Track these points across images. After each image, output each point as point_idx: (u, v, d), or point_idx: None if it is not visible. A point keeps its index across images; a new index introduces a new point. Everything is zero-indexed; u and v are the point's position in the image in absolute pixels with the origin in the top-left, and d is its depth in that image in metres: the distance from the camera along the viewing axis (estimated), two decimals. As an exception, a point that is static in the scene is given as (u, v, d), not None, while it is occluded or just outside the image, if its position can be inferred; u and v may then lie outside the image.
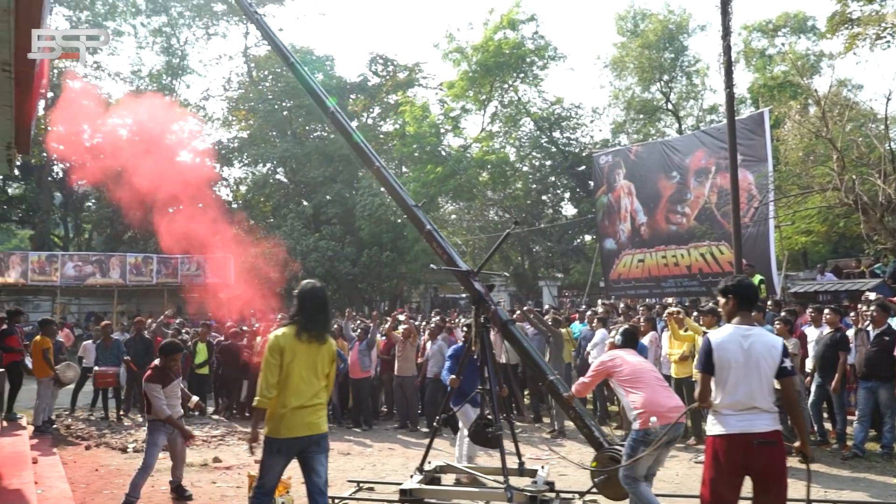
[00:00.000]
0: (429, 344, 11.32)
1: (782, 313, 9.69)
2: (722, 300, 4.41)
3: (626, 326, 6.33)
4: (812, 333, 9.60)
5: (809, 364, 9.25)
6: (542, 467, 6.84)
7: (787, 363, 4.16)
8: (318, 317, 4.91)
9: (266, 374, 4.74)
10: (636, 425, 5.31)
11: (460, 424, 7.39)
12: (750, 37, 32.55)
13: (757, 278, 13.39)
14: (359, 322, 13.77)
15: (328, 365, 4.98)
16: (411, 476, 6.58)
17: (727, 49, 13.83)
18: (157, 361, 6.84)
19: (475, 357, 6.79)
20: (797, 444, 4.22)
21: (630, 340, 6.02)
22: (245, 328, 13.83)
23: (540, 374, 6.50)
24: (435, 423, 7.00)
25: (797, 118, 16.96)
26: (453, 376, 7.05)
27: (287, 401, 4.71)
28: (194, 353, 12.79)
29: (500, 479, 6.12)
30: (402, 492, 6.19)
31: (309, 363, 4.80)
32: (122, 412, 12.20)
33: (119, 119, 32.29)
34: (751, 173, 16.71)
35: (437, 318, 12.80)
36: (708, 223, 18.20)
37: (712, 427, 4.22)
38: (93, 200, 30.88)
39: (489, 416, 6.49)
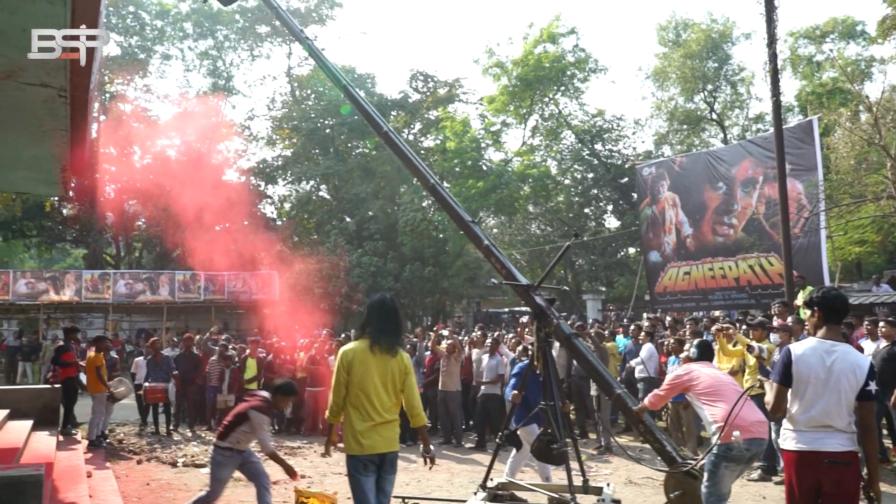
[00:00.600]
0: (485, 357, 11.20)
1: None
2: (808, 312, 4.28)
3: (701, 339, 6.19)
4: (868, 347, 9.27)
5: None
6: (608, 485, 6.62)
7: (872, 386, 3.92)
8: (389, 328, 4.75)
9: (334, 389, 4.68)
10: (717, 440, 5.07)
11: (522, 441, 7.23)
12: (796, 43, 31.90)
13: (808, 290, 13.02)
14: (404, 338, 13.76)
15: (400, 379, 4.75)
16: (475, 493, 6.47)
17: (773, 57, 13.59)
18: (267, 395, 6.32)
19: (538, 372, 6.64)
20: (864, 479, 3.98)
21: (706, 353, 5.88)
22: (283, 343, 13.95)
23: (607, 388, 6.29)
24: (497, 440, 6.88)
25: (848, 125, 16.54)
26: (515, 392, 6.95)
27: (363, 416, 4.62)
28: (244, 368, 12.89)
29: (566, 496, 6.00)
30: None
31: (381, 377, 4.65)
32: (171, 427, 12.42)
33: (167, 140, 33.19)
34: (800, 183, 16.31)
35: (479, 332, 12.72)
36: (756, 234, 17.81)
37: (785, 441, 4.09)
38: (142, 220, 31.73)
39: (551, 432, 6.35)
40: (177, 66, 32.90)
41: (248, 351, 13.25)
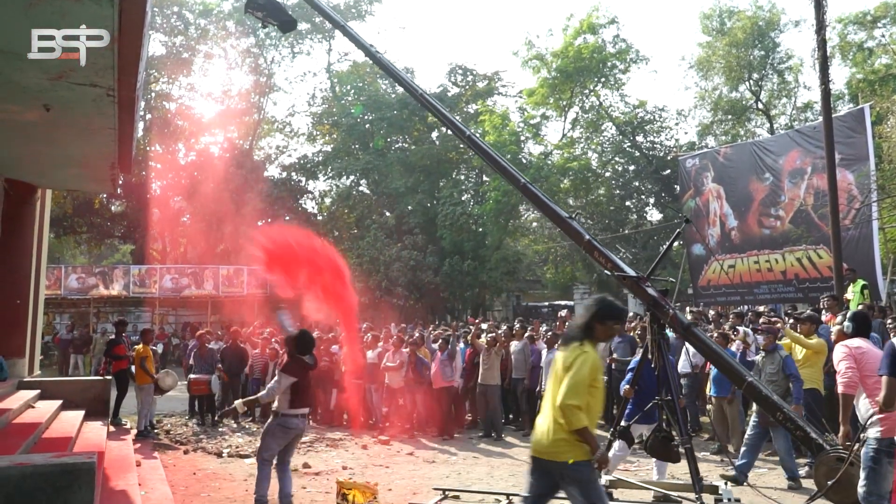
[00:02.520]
0: (544, 352, 11.07)
1: (888, 321, 9.11)
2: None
3: (856, 311, 5.55)
4: (922, 342, 8.97)
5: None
6: (725, 483, 6.37)
7: None
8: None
9: (582, 392, 4.08)
10: (876, 433, 4.64)
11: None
12: (846, 30, 30.88)
13: (859, 284, 12.62)
14: (441, 331, 13.79)
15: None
16: None
17: (822, 43, 13.20)
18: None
19: (653, 366, 6.44)
20: None
21: (864, 327, 5.21)
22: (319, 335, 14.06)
23: (736, 378, 6.07)
24: (609, 437, 6.78)
25: (901, 113, 16.01)
26: (627, 386, 6.82)
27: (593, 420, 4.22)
28: None
29: (688, 495, 5.88)
30: None
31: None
32: (216, 418, 12.67)
33: (211, 137, 33.75)
34: (850, 173, 15.84)
35: (519, 325, 12.67)
36: (804, 226, 17.35)
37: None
38: (188, 216, 32.38)
39: (666, 428, 6.16)
40: (219, 63, 33.45)
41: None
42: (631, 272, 6.60)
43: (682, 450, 6.16)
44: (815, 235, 16.95)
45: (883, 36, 28.69)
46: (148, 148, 30.16)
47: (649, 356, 6.49)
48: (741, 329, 10.31)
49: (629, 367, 7.67)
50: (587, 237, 6.92)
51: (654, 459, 7.03)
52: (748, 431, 7.83)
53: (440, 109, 8.44)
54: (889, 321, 9.15)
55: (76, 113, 6.07)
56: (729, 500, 5.97)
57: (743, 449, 7.74)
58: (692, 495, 5.88)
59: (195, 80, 32.91)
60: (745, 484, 7.06)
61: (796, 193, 17.61)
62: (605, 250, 6.89)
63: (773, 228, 18.31)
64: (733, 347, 9.87)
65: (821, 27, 13.09)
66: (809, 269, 17.23)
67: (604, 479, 6.48)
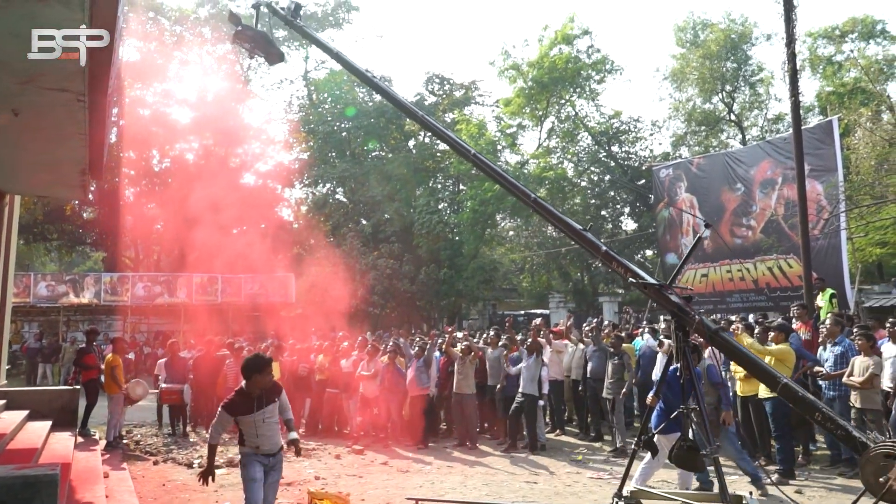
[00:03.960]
0: (524, 358, 11.11)
1: (855, 329, 9.27)
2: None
3: None
4: (889, 350, 9.13)
5: (886, 382, 8.81)
6: (750, 493, 6.22)
7: None
8: None
9: None
10: None
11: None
12: (815, 44, 31.57)
13: (828, 293, 12.85)
14: (417, 339, 13.76)
15: None
16: (616, 502, 6.20)
17: (792, 57, 13.45)
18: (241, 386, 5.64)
19: (678, 375, 6.34)
20: None
21: None
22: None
23: (770, 380, 5.91)
24: (634, 446, 6.72)
25: (869, 126, 16.36)
26: (652, 395, 6.74)
27: None
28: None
29: None
30: None
31: None
32: (188, 428, 12.49)
33: (186, 144, 33.49)
34: (820, 183, 16.13)
35: (494, 333, 12.68)
36: (775, 236, 17.63)
37: None
38: (161, 223, 32.00)
39: (692, 438, 6.14)
40: (195, 70, 33.17)
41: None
42: (651, 280, 6.56)
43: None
44: (785, 245, 17.22)
45: (851, 51, 29.36)
46: (121, 154, 29.78)
47: (674, 364, 6.40)
48: (666, 342, 10.39)
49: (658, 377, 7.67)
50: (604, 248, 6.85)
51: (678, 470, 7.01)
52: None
53: (442, 130, 8.36)
54: (856, 329, 9.29)
55: (46, 118, 5.98)
56: None
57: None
58: None
59: (170, 87, 32.63)
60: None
61: (767, 203, 17.89)
62: (623, 260, 6.84)
63: (744, 238, 18.58)
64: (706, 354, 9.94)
65: (790, 41, 13.34)
66: (780, 278, 17.50)
67: (625, 490, 6.42)
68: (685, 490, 7.04)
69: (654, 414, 7.00)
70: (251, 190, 32.41)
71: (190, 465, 9.74)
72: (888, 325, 9.66)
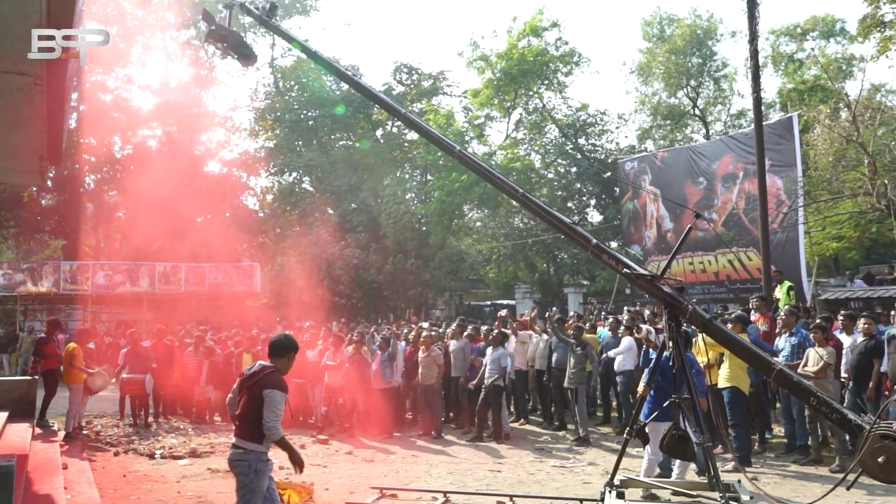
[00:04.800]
0: (489, 350, 11.12)
1: (815, 320, 9.52)
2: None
3: None
4: (845, 341, 9.42)
5: (842, 371, 9.08)
6: (738, 481, 6.26)
7: None
8: None
9: None
10: None
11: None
12: (778, 41, 32.15)
13: (786, 285, 13.16)
14: (384, 332, 13.75)
15: None
16: (609, 492, 6.20)
17: (754, 53, 13.69)
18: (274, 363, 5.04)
19: (670, 364, 6.36)
20: None
21: None
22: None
23: (765, 367, 6.03)
24: (626, 435, 6.77)
25: (827, 123, 16.72)
26: (644, 385, 6.83)
27: None
28: (239, 362, 12.67)
29: (706, 494, 5.81)
30: None
31: None
32: (149, 419, 12.33)
33: (149, 130, 32.82)
34: (779, 178, 16.48)
35: (458, 324, 12.75)
36: (736, 229, 17.98)
37: None
38: (123, 210, 31.39)
39: (684, 427, 6.17)
40: (158, 56, 32.49)
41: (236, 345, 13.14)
42: (643, 271, 6.61)
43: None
44: (745, 238, 17.57)
45: (812, 49, 29.96)
46: (81, 140, 29.10)
47: (666, 353, 6.42)
48: (644, 327, 10.65)
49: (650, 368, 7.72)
50: (594, 241, 6.89)
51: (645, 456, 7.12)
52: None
53: (429, 130, 8.36)
54: (817, 320, 9.53)
55: (2, 102, 5.83)
56: (752, 497, 6.02)
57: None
58: (708, 494, 5.92)
59: (132, 72, 31.94)
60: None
61: (728, 197, 18.22)
62: (613, 252, 6.91)
63: (706, 231, 18.90)
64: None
65: (753, 37, 13.57)
66: (740, 270, 17.86)
67: (616, 478, 6.41)
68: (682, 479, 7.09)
69: (647, 402, 7.04)
70: (216, 178, 31.96)
71: (152, 456, 9.63)
72: (841, 317, 9.98)
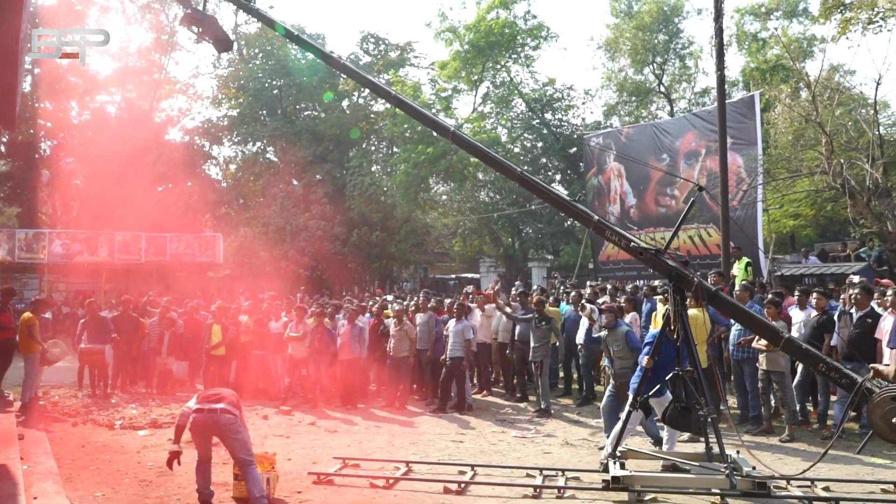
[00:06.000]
0: (452, 322, 11.18)
1: (769, 296, 9.78)
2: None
3: None
4: (797, 316, 9.70)
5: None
6: (737, 452, 6.46)
7: None
8: None
9: None
10: None
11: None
12: (742, 20, 32.42)
13: (744, 261, 13.48)
14: (351, 305, 13.70)
15: None
16: (612, 463, 6.32)
17: (719, 31, 13.80)
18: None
19: (675, 338, 6.47)
20: None
21: None
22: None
23: (773, 336, 6.20)
24: (629, 408, 6.73)
25: (787, 102, 16.99)
26: (647, 357, 6.83)
27: None
28: (209, 334, 12.53)
29: (708, 464, 6.01)
30: (613, 479, 5.96)
31: None
32: (109, 389, 12.18)
33: (107, 96, 31.93)
34: (740, 156, 16.75)
35: (424, 297, 12.79)
36: (697, 206, 18.25)
37: None
38: (80, 178, 30.58)
39: (687, 399, 6.20)
40: (117, 19, 31.50)
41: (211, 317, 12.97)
42: (648, 246, 6.64)
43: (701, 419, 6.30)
44: (706, 215, 17.86)
45: (775, 28, 30.29)
46: (36, 104, 28.20)
47: (670, 327, 6.52)
48: (588, 306, 10.85)
49: (647, 340, 7.69)
50: (596, 218, 6.90)
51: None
52: (604, 401, 8.27)
53: (422, 111, 8.31)
54: (770, 296, 9.79)
55: (-50, 63, 5.63)
56: (754, 467, 6.15)
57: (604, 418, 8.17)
58: (713, 465, 6.04)
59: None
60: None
61: (691, 174, 18.48)
62: (616, 228, 6.96)
63: (668, 207, 19.18)
64: (627, 319, 10.31)
65: (718, 15, 13.67)
66: (700, 246, 18.19)
67: (617, 449, 6.55)
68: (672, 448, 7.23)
69: (635, 376, 7.12)
70: (177, 147, 31.29)
71: (111, 427, 9.53)
72: (796, 292, 10.26)
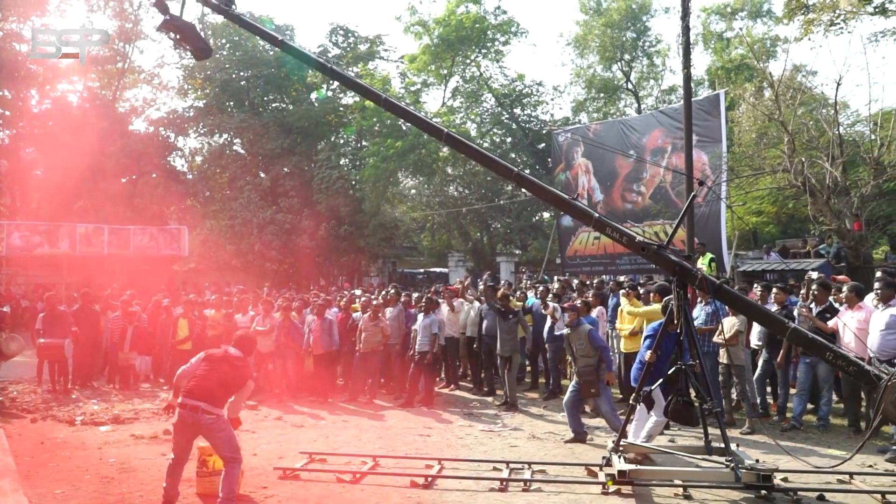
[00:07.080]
0: (420, 317, 11.22)
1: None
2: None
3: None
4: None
5: (755, 340, 9.53)
6: (737, 445, 6.51)
7: None
8: None
9: None
10: None
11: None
12: (709, 19, 32.93)
13: (708, 257, 13.71)
14: (320, 298, 13.62)
15: None
16: (617, 457, 6.33)
17: (686, 30, 13.94)
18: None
19: (678, 332, 6.51)
20: None
21: None
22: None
23: (779, 326, 6.21)
24: (631, 401, 6.74)
25: (752, 101, 17.29)
26: (650, 351, 6.85)
27: None
28: (175, 328, 12.37)
29: (711, 458, 6.05)
30: (619, 473, 5.97)
31: None
32: (69, 385, 11.94)
33: (69, 84, 31.16)
34: (705, 154, 16.98)
35: (393, 291, 12.77)
36: (663, 202, 18.48)
37: None
38: (41, 168, 29.86)
39: (690, 393, 6.22)
40: (80, 6, 30.76)
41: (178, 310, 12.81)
42: (650, 242, 6.66)
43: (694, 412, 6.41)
44: (671, 211, 18.09)
45: (740, 28, 30.79)
46: (-6, 92, 27.46)
47: (674, 321, 6.56)
48: (551, 305, 10.99)
49: (647, 334, 7.72)
50: (596, 215, 6.89)
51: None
52: (567, 396, 8.48)
53: (414, 114, 8.26)
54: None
55: None
56: (757, 460, 6.20)
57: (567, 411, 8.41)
58: (715, 458, 6.09)
59: (50, 21, 30.13)
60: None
61: (657, 171, 18.69)
62: (617, 226, 6.95)
63: (635, 203, 19.38)
64: (594, 314, 10.42)
65: (685, 14, 13.81)
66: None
67: (610, 443, 6.60)
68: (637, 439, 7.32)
69: (634, 368, 7.14)
70: (141, 137, 30.69)
71: (72, 423, 9.35)
72: (758, 288, 10.46)
